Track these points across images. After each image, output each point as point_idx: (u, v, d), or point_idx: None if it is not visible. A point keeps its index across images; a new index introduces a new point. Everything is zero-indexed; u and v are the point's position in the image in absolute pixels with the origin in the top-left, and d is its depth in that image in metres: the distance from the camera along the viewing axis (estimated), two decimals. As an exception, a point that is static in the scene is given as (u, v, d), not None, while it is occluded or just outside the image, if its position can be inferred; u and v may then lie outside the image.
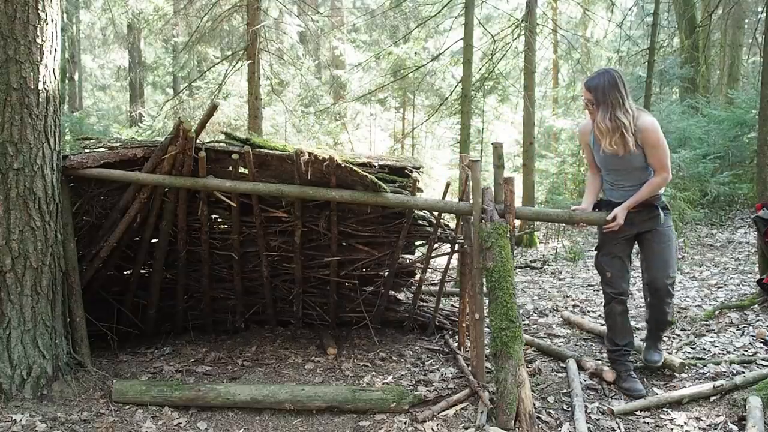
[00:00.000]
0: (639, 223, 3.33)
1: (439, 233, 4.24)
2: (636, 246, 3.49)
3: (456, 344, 4.28)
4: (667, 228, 3.34)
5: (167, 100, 14.07)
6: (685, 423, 2.96)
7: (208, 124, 3.58)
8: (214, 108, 3.47)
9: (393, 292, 4.72)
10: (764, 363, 3.57)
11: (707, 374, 3.50)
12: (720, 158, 9.32)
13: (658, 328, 3.46)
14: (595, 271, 7.27)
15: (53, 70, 3.32)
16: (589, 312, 5.31)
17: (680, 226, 8.34)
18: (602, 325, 4.68)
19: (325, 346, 4.31)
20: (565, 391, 3.41)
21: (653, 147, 3.12)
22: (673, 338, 4.25)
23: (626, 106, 3.10)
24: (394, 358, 4.15)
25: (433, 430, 3.00)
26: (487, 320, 3.27)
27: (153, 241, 4.18)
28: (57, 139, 3.38)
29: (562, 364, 3.83)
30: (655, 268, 3.34)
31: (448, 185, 4.06)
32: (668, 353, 3.72)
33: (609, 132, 3.11)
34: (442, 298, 4.71)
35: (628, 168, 3.23)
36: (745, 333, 4.19)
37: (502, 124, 15.67)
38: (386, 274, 4.42)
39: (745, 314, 4.59)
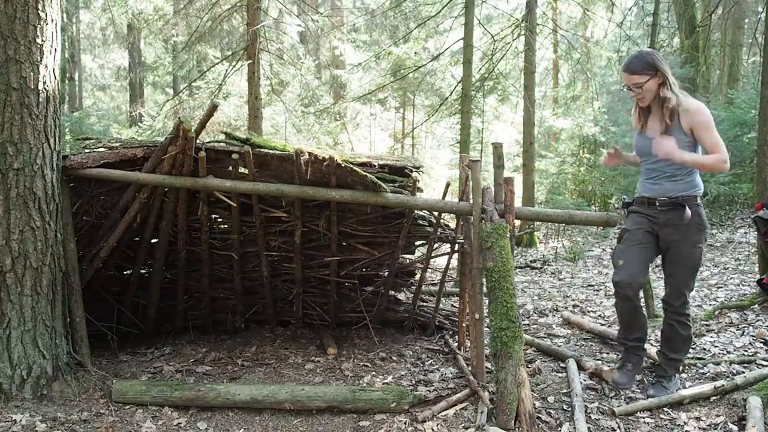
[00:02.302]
0: (663, 223, 3.15)
1: (439, 233, 4.24)
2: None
3: (456, 344, 4.28)
4: (692, 248, 3.12)
5: (167, 100, 14.07)
6: (685, 423, 2.96)
7: (208, 124, 3.58)
8: (214, 108, 3.47)
9: (393, 292, 4.71)
10: (764, 363, 3.56)
11: (707, 374, 3.50)
12: (720, 158, 9.28)
13: (669, 347, 3.30)
14: (596, 271, 7.35)
15: (53, 70, 3.32)
16: (589, 312, 5.30)
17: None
18: (602, 325, 4.69)
19: (325, 346, 4.31)
20: (565, 391, 3.41)
21: (706, 129, 2.96)
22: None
23: (669, 84, 3.06)
24: (394, 358, 4.15)
25: (433, 430, 3.00)
26: (487, 320, 3.27)
27: (153, 241, 4.18)
28: (57, 139, 3.38)
29: (562, 364, 3.83)
30: (670, 286, 3.23)
31: (448, 185, 4.06)
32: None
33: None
34: (442, 298, 4.71)
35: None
36: (745, 333, 4.19)
37: (502, 124, 15.66)
38: (386, 274, 4.42)
39: (745, 314, 4.59)
